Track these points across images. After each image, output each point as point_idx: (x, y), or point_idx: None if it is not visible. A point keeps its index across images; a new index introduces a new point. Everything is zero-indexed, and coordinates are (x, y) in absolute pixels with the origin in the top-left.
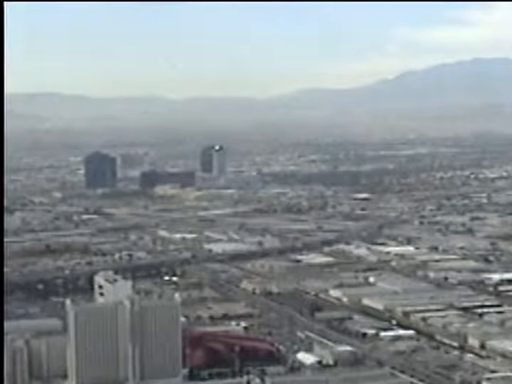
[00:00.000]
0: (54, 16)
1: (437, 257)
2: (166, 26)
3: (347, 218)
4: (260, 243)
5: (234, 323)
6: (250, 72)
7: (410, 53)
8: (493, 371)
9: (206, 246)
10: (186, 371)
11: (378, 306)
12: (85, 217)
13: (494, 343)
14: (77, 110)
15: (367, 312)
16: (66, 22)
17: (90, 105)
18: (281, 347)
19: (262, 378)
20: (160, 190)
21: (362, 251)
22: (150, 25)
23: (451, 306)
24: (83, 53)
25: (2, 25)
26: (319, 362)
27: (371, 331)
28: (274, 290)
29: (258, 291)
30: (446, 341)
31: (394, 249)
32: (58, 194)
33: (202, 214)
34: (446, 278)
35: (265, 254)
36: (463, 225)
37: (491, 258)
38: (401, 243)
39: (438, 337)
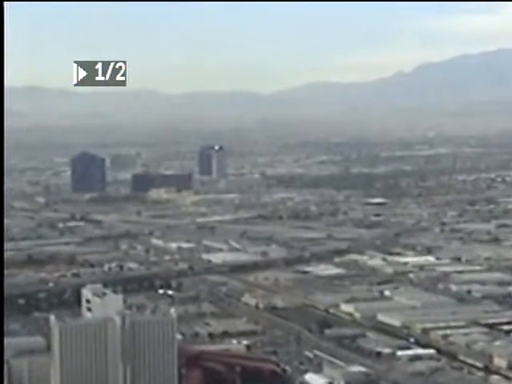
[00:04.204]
0: (40, 3)
1: (459, 268)
2: (161, 14)
3: (360, 225)
4: (264, 253)
5: (235, 341)
6: (253, 64)
7: (429, 43)
8: None
9: (205, 257)
10: None
11: (395, 322)
12: (71, 224)
13: None
14: (62, 105)
15: (382, 329)
16: (52, 8)
17: (77, 100)
18: (287, 368)
19: None
20: (154, 194)
21: (376, 262)
22: (144, 12)
23: (475, 323)
24: (68, 43)
25: (2, 25)
26: None
27: (387, 350)
28: (280, 304)
29: (261, 306)
30: (470, 361)
31: (412, 259)
32: (41, 199)
33: (199, 220)
34: (469, 292)
35: (269, 264)
36: (488, 233)
37: None
38: (419, 253)
39: (460, 356)
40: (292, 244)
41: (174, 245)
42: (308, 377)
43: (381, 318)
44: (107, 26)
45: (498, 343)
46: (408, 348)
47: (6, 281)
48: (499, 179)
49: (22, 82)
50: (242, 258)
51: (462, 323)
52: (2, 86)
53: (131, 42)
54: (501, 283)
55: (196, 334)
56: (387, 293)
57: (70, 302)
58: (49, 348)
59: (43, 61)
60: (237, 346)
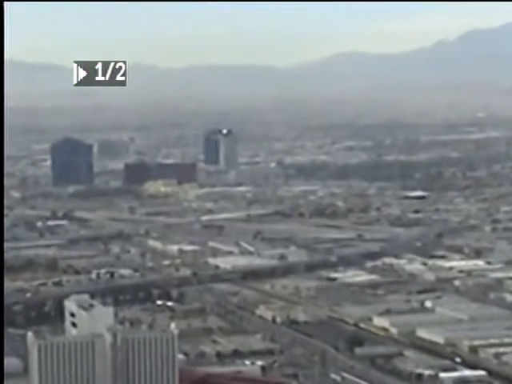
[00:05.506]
0: None
1: None
2: None
3: (396, 224)
4: (282, 257)
5: (247, 362)
6: (268, 33)
7: (476, 8)
8: None
9: (212, 261)
10: None
11: (437, 338)
12: (52, 223)
13: None
14: (44, 82)
15: (423, 346)
16: None
17: (62, 76)
18: None
19: None
20: (150, 187)
21: (415, 267)
22: None
23: None
24: (56, 13)
25: (2, 25)
26: None
27: (428, 372)
28: (301, 318)
29: (279, 320)
30: None
31: (459, 263)
32: (16, 193)
33: (205, 218)
34: None
35: (288, 270)
36: None
37: None
38: (467, 256)
39: None
40: (315, 246)
41: (174, 247)
42: None
43: (421, 333)
44: None
45: None
46: (453, 369)
47: None
48: None
49: None
50: (256, 262)
51: None
52: (2, 85)
53: (127, 13)
54: None
55: (201, 354)
56: (428, 304)
57: (51, 315)
58: (26, 371)
59: (26, 31)
60: (250, 367)
